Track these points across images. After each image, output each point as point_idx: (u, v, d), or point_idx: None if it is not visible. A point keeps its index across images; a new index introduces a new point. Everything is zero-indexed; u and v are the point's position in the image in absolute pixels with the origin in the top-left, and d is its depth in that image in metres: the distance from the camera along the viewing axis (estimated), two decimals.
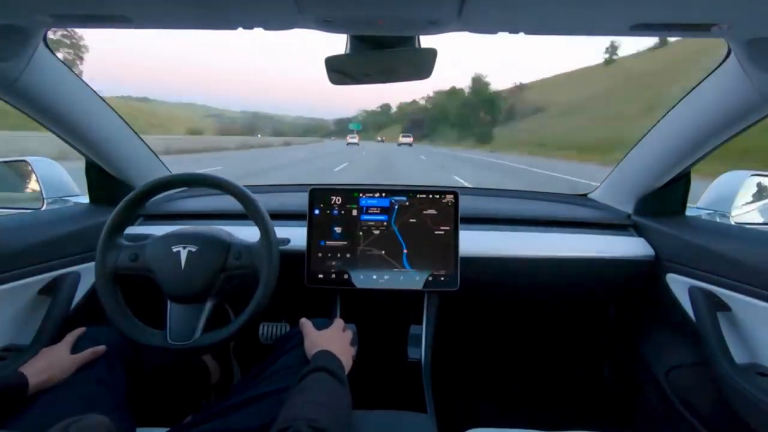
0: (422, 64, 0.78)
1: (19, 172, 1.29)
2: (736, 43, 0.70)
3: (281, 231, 0.94)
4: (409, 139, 43.77)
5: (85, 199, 1.19)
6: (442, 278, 1.01)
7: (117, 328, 0.83)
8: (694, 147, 0.94)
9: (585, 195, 1.38)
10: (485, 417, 0.85)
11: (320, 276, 1.02)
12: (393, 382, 0.95)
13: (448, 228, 1.02)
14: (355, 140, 44.18)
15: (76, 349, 0.78)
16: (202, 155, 17.82)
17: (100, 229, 0.85)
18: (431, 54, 0.74)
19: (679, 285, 0.99)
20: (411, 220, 1.03)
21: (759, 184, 1.24)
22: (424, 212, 1.03)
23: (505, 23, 0.63)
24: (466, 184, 8.27)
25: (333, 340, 0.79)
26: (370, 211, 1.03)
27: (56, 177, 1.26)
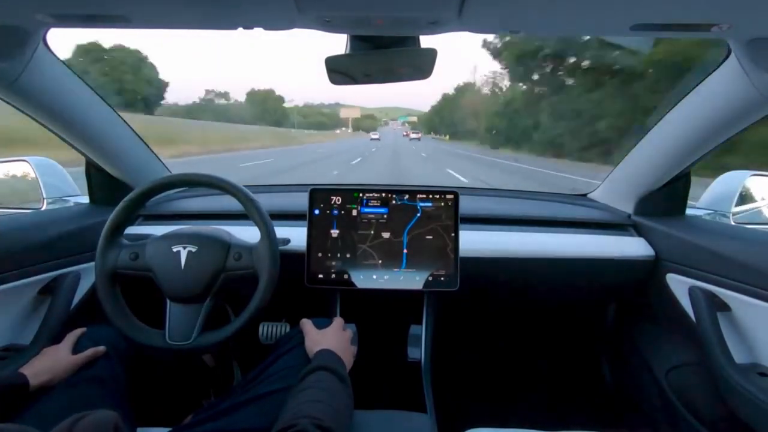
0: (422, 64, 0.78)
1: (19, 172, 1.29)
2: (736, 43, 0.70)
3: (281, 231, 0.94)
4: (418, 135, 43.02)
5: (85, 199, 1.19)
6: (441, 278, 1.01)
7: (116, 328, 0.83)
8: (694, 147, 0.94)
9: (585, 195, 1.38)
10: (485, 417, 0.85)
11: (320, 276, 1.02)
12: (393, 382, 0.95)
13: (448, 228, 1.02)
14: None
15: (76, 349, 0.78)
16: None
17: (100, 229, 0.86)
18: (431, 54, 0.74)
19: (679, 285, 0.99)
20: (411, 220, 1.03)
21: (759, 184, 1.24)
22: (424, 212, 1.03)
23: (505, 23, 0.63)
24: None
25: (334, 338, 0.79)
26: (370, 211, 1.03)
27: (56, 177, 1.26)
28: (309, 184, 1.11)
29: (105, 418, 0.48)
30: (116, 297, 0.84)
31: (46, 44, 0.79)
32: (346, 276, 1.02)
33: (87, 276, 0.99)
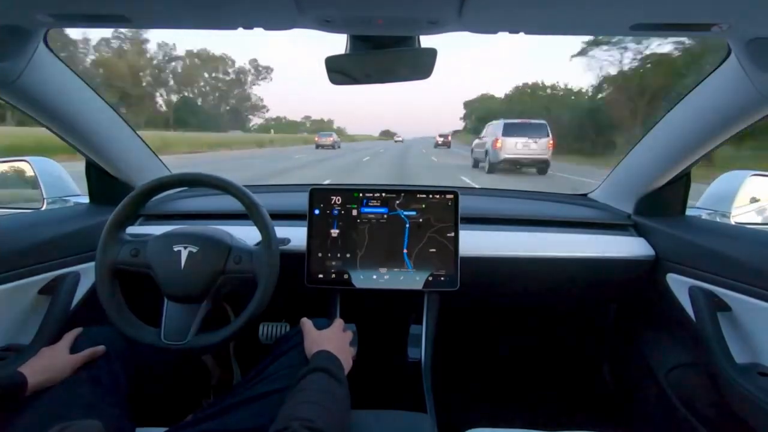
0: (422, 64, 0.78)
1: (19, 172, 1.29)
2: (736, 43, 0.70)
3: (281, 231, 0.94)
4: (446, 138, 33.02)
5: (85, 199, 1.19)
6: (442, 278, 1.01)
7: (112, 323, 0.82)
8: (694, 147, 0.94)
9: (585, 195, 1.38)
10: (485, 417, 0.85)
11: (320, 276, 1.02)
12: (393, 382, 0.95)
13: (448, 228, 1.02)
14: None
15: (75, 349, 0.77)
16: None
17: (101, 229, 0.85)
18: (431, 54, 0.74)
19: (679, 285, 0.99)
20: (411, 221, 1.03)
21: (759, 184, 1.24)
22: (424, 212, 1.03)
23: (505, 23, 0.63)
24: None
25: (332, 339, 0.79)
26: (370, 211, 1.03)
27: (56, 177, 1.26)
28: (309, 184, 1.11)
29: (89, 428, 0.47)
30: (114, 292, 0.84)
31: (46, 44, 0.79)
32: (345, 276, 1.02)
33: (87, 276, 0.99)
